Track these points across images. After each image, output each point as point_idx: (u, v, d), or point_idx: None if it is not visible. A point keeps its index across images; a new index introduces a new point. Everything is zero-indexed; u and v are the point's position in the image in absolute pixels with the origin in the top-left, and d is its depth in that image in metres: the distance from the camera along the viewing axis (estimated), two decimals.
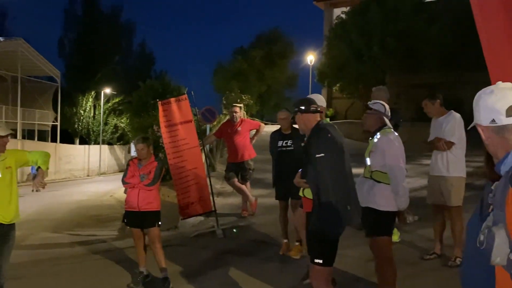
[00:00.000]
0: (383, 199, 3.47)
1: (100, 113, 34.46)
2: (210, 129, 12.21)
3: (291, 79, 38.59)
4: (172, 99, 6.57)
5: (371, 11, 19.90)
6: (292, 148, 5.02)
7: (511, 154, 1.39)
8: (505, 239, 1.24)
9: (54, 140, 31.47)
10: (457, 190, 4.53)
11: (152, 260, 4.69)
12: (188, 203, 6.38)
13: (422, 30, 18.81)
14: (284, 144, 5.10)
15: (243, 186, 7.01)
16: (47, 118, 32.13)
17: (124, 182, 4.73)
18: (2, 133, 3.58)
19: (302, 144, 3.54)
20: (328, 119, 4.38)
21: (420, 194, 6.55)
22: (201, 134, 7.52)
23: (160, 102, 6.55)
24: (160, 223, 4.73)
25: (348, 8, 24.15)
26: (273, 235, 5.99)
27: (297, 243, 5.08)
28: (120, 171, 30.65)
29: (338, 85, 24.14)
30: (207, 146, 9.87)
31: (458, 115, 4.54)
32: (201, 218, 7.08)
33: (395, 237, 4.75)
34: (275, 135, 5.24)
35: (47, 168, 3.86)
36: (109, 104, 35.90)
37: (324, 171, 3.12)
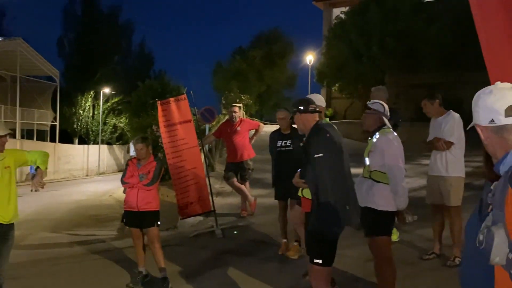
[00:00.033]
0: (382, 199, 3.47)
1: (99, 113, 34.45)
2: (209, 129, 12.21)
3: (290, 79, 38.59)
4: (171, 99, 6.57)
5: (371, 11, 19.91)
6: (291, 148, 5.02)
7: (510, 154, 1.39)
8: (504, 238, 1.24)
9: (53, 140, 31.45)
10: (456, 190, 4.54)
11: (151, 260, 4.68)
12: (187, 203, 6.38)
13: (422, 30, 18.82)
14: (283, 144, 5.10)
15: (242, 186, 7.00)
16: (46, 118, 32.11)
17: (123, 182, 4.73)
18: (1, 133, 3.57)
19: (301, 144, 3.54)
20: (327, 119, 4.37)
21: (419, 194, 6.56)
22: (200, 134, 7.52)
23: (159, 102, 6.54)
24: (159, 223, 4.73)
25: (347, 8, 24.15)
26: (272, 235, 5.99)
27: (295, 243, 5.08)
28: (119, 171, 30.63)
29: (337, 85, 24.15)
30: (206, 146, 9.87)
31: (457, 115, 4.54)
32: (200, 218, 7.08)
33: (394, 236, 4.75)
34: (274, 135, 5.24)
35: (46, 168, 3.86)
36: (108, 104, 35.90)
37: (323, 171, 3.12)
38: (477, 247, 1.32)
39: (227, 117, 7.95)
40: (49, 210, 11.80)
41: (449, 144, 4.46)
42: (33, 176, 3.76)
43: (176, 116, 6.43)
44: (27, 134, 30.90)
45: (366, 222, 3.52)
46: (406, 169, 3.60)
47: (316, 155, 3.13)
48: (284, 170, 4.78)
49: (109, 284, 4.85)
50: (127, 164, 4.81)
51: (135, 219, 4.66)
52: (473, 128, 1.57)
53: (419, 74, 20.29)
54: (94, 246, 6.55)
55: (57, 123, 31.96)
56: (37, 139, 29.98)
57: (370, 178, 3.57)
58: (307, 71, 30.22)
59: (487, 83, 1.72)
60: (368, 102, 3.78)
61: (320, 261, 3.13)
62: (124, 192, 4.92)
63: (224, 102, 28.00)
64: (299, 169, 3.40)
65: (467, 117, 2.32)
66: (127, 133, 31.97)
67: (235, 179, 6.97)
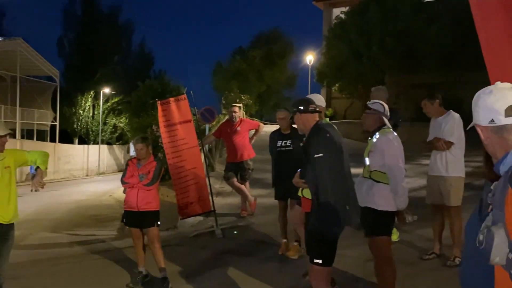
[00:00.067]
0: (382, 199, 3.47)
1: (99, 113, 34.45)
2: (209, 129, 12.21)
3: (290, 79, 38.59)
4: (171, 99, 6.57)
5: (371, 11, 19.91)
6: (291, 148, 5.01)
7: (510, 154, 1.39)
8: (504, 238, 1.24)
9: (53, 140, 31.45)
10: (456, 190, 4.54)
11: (151, 260, 4.68)
12: (187, 203, 6.38)
13: (422, 30, 18.82)
14: (283, 144, 5.10)
15: (242, 186, 7.00)
16: (46, 118, 32.12)
17: (123, 182, 4.73)
18: (1, 133, 3.57)
19: (301, 144, 3.54)
20: (327, 119, 4.38)
21: (419, 194, 6.56)
22: (200, 134, 7.52)
23: (159, 102, 6.54)
24: (159, 223, 4.73)
25: (347, 8, 24.15)
26: (272, 235, 5.99)
27: (295, 243, 5.08)
28: (119, 171, 30.64)
29: (337, 85, 24.15)
30: (206, 146, 9.87)
31: (457, 115, 4.54)
32: (200, 218, 7.08)
33: (394, 236, 4.75)
34: (274, 135, 5.24)
35: (46, 168, 3.86)
36: (108, 104, 35.90)
37: (323, 171, 3.12)
38: (477, 247, 1.32)
39: (227, 117, 7.95)
40: (49, 210, 11.80)
41: (449, 144, 4.47)
42: (33, 176, 3.76)
43: (176, 116, 6.43)
44: (27, 134, 30.90)
45: (366, 222, 3.52)
46: (406, 169, 3.60)
47: (316, 155, 3.13)
48: (284, 170, 4.78)
49: (109, 284, 4.85)
50: (127, 164, 4.81)
51: (135, 219, 4.66)
52: (473, 128, 1.57)
53: (419, 74, 20.29)
54: (94, 246, 6.55)
55: (57, 123, 31.97)
56: (37, 139, 29.99)
57: (370, 178, 3.57)
58: (307, 71, 30.26)
59: (487, 83, 1.72)
60: (368, 102, 3.78)
61: (320, 261, 3.13)
62: (124, 192, 4.92)
63: (224, 102, 28.00)
64: (299, 169, 3.40)
65: (467, 117, 2.32)
66: (127, 133, 31.98)
67: (235, 179, 6.97)
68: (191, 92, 7.17)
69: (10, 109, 28.05)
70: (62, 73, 35.25)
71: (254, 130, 7.42)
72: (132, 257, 5.22)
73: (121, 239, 6.79)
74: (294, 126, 4.36)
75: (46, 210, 11.77)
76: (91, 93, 35.28)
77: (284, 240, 5.27)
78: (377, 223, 3.51)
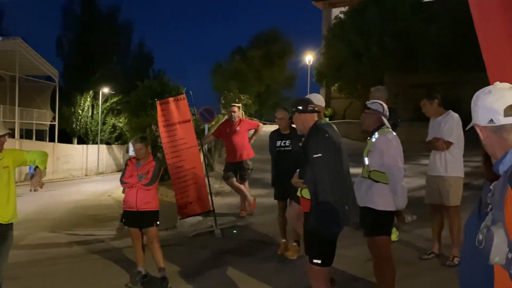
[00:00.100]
0: (381, 199, 3.47)
1: (98, 113, 34.43)
2: (209, 129, 12.21)
3: (289, 79, 38.62)
4: (171, 99, 6.56)
5: (370, 11, 19.92)
6: (290, 148, 5.01)
7: (509, 154, 1.39)
8: (504, 238, 1.25)
9: (52, 139, 31.43)
10: (455, 190, 4.54)
11: (150, 260, 4.68)
12: (186, 203, 6.38)
13: (421, 30, 18.83)
14: (282, 144, 5.10)
15: (241, 186, 7.00)
16: (45, 118, 32.10)
17: (122, 182, 4.72)
18: (0, 133, 3.57)
19: (300, 144, 3.54)
20: (327, 119, 4.38)
21: (418, 194, 6.56)
22: (200, 133, 7.52)
23: (158, 102, 6.54)
24: (158, 222, 4.72)
25: (346, 8, 24.13)
26: (271, 235, 5.99)
27: (294, 244, 5.08)
28: (118, 171, 30.64)
29: (336, 85, 24.14)
30: (206, 146, 9.86)
31: (456, 115, 4.55)
32: (200, 217, 7.08)
33: (393, 236, 4.75)
34: (274, 135, 5.24)
35: (45, 168, 3.85)
36: (107, 104, 35.89)
37: (322, 171, 3.12)
38: (476, 247, 1.32)
39: (226, 117, 7.95)
40: (48, 210, 11.78)
41: (448, 144, 4.47)
42: (32, 176, 3.76)
43: (175, 116, 6.42)
44: (26, 134, 30.88)
45: (365, 222, 3.52)
46: (405, 169, 3.61)
47: (314, 155, 3.13)
48: (283, 170, 4.78)
49: (108, 284, 4.85)
50: (126, 164, 4.81)
51: (134, 219, 4.66)
52: (472, 128, 1.58)
53: (418, 74, 20.31)
54: (93, 246, 6.54)
55: (56, 123, 31.95)
56: (36, 139, 29.97)
57: (369, 178, 3.57)
58: (306, 71, 30.26)
59: (486, 83, 1.73)
60: (367, 102, 3.78)
61: (319, 261, 3.13)
62: (123, 192, 4.91)
63: (223, 102, 27.99)
64: (298, 169, 3.40)
65: (466, 117, 2.32)
66: (126, 133, 31.95)
67: (234, 179, 6.97)
68: (190, 92, 7.17)
69: (9, 108, 28.03)
70: (61, 73, 35.31)
71: (253, 130, 7.42)
72: (131, 257, 5.22)
73: (120, 239, 6.78)
74: (294, 126, 4.36)
75: (45, 210, 11.75)
76: (90, 93, 35.26)
77: (283, 240, 5.27)
78: (377, 223, 3.51)
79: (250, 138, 7.31)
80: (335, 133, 3.27)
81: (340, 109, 27.28)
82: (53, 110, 32.28)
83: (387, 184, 3.47)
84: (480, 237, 1.31)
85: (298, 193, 3.47)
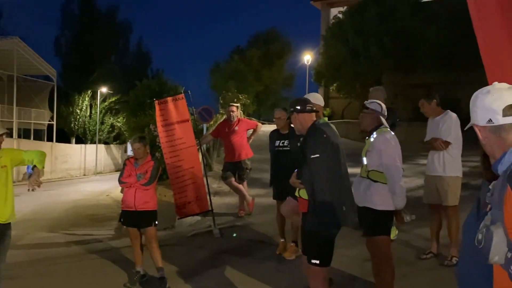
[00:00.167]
0: (380, 199, 3.47)
1: (97, 112, 34.39)
2: (207, 129, 12.20)
3: (288, 79, 38.67)
4: (169, 98, 6.55)
5: (368, 11, 19.92)
6: (288, 148, 5.01)
7: (508, 154, 1.39)
8: (503, 238, 1.25)
9: (50, 139, 31.39)
10: (454, 190, 4.54)
11: (148, 260, 4.67)
12: (185, 203, 6.37)
13: (420, 30, 18.84)
14: (280, 144, 5.10)
15: (240, 186, 7.00)
16: (43, 117, 32.06)
17: (120, 182, 4.72)
18: None
19: (298, 144, 3.54)
20: (326, 118, 4.38)
21: (416, 194, 6.57)
22: (198, 133, 7.51)
23: (156, 101, 6.53)
24: (156, 222, 4.72)
25: (345, 7, 24.13)
26: (270, 235, 5.99)
27: (292, 244, 5.08)
28: (116, 171, 30.61)
29: (335, 84, 24.15)
30: (204, 146, 9.86)
31: (454, 115, 4.55)
32: (198, 217, 7.08)
33: (392, 234, 4.76)
34: (273, 135, 5.24)
35: (43, 167, 3.84)
36: (106, 104, 35.86)
37: (320, 171, 3.12)
38: (475, 247, 1.32)
39: (225, 116, 7.94)
40: (46, 209, 11.76)
41: (446, 144, 4.48)
42: (30, 176, 3.75)
43: (174, 116, 6.42)
44: (24, 134, 30.85)
45: (364, 222, 3.52)
46: (403, 169, 3.61)
47: (312, 156, 3.12)
48: (282, 170, 4.78)
49: (107, 284, 4.84)
50: (124, 164, 4.80)
51: (133, 218, 4.65)
52: (470, 128, 1.58)
53: (417, 74, 20.32)
54: (92, 246, 6.53)
55: (54, 122, 31.91)
56: (34, 139, 29.94)
57: (368, 177, 3.57)
58: (305, 71, 30.30)
59: (485, 83, 1.73)
60: (365, 102, 3.78)
61: (317, 262, 3.13)
62: (121, 191, 4.91)
63: (222, 101, 27.96)
64: (296, 169, 3.39)
65: (464, 117, 2.32)
66: (125, 132, 31.88)
67: (233, 179, 6.96)
68: (189, 91, 7.14)
69: (7, 108, 27.98)
70: (59, 72, 35.24)
71: (252, 129, 7.42)
72: (130, 256, 5.21)
73: (118, 239, 6.77)
74: (293, 126, 4.36)
75: (43, 209, 11.73)
76: (89, 92, 35.22)
77: (282, 240, 5.27)
78: (376, 223, 3.51)
79: (248, 138, 7.30)
80: (333, 133, 3.26)
81: (339, 109, 27.30)
82: (51, 109, 32.25)
83: (385, 183, 3.47)
84: (480, 236, 1.31)
85: (296, 193, 3.47)
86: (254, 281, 4.48)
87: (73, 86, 35.65)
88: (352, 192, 3.38)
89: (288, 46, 37.76)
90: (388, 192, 3.45)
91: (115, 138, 37.28)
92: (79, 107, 35.61)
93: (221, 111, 21.71)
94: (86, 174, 31.32)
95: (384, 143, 3.49)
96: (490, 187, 1.38)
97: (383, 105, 3.70)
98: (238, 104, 18.88)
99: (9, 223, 3.66)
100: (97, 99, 34.00)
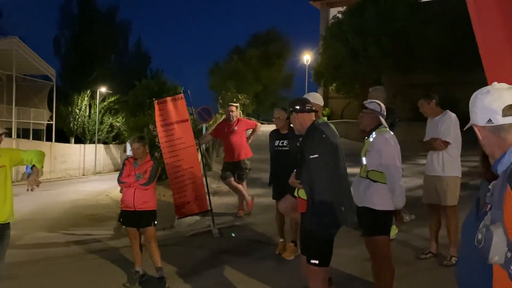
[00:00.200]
0: (379, 199, 3.47)
1: (96, 112, 34.36)
2: (206, 129, 12.20)
3: (287, 78, 38.69)
4: (168, 98, 6.56)
5: (368, 11, 19.92)
6: (288, 148, 5.01)
7: (507, 154, 1.39)
8: (503, 237, 1.25)
9: (49, 139, 31.35)
10: (453, 190, 4.55)
11: (148, 260, 4.67)
12: (184, 203, 6.37)
13: (419, 30, 18.83)
14: (280, 144, 5.10)
15: (239, 186, 7.00)
16: (42, 117, 32.02)
17: (119, 182, 4.71)
18: None
19: (297, 144, 3.54)
20: (325, 118, 4.38)
21: (416, 194, 6.57)
22: (197, 133, 7.51)
23: (156, 101, 6.53)
24: (156, 222, 4.72)
25: (344, 8, 24.13)
26: (269, 235, 5.99)
27: (291, 244, 5.08)
28: (115, 171, 30.59)
29: (334, 84, 24.15)
30: (203, 146, 9.86)
31: (453, 115, 4.56)
32: (197, 217, 7.07)
33: (392, 233, 4.76)
34: (273, 135, 5.24)
35: (42, 167, 3.84)
36: (105, 103, 35.82)
37: (319, 172, 3.12)
38: (475, 247, 1.32)
39: (224, 116, 7.94)
40: (46, 209, 11.75)
41: (445, 144, 4.48)
42: (29, 176, 3.74)
43: (173, 116, 6.41)
44: (23, 133, 30.81)
45: (364, 222, 3.52)
46: (403, 169, 3.61)
47: (311, 156, 3.12)
48: (281, 170, 4.78)
49: (106, 283, 4.83)
50: (123, 164, 4.80)
51: (132, 218, 4.65)
52: (469, 127, 1.58)
53: (417, 74, 20.31)
54: (91, 246, 6.53)
55: (53, 122, 31.87)
56: (33, 139, 29.89)
57: (367, 177, 3.57)
58: (304, 70, 30.32)
59: (484, 83, 1.73)
60: (365, 102, 3.78)
61: (317, 262, 3.13)
62: (120, 191, 4.91)
63: (221, 101, 27.96)
64: (295, 169, 3.39)
65: (463, 117, 2.32)
66: (124, 132, 31.85)
67: (232, 179, 6.96)
68: (188, 91, 7.14)
69: (6, 108, 27.94)
70: (58, 72, 35.22)
71: (251, 129, 7.41)
72: (129, 256, 5.21)
73: (117, 239, 6.77)
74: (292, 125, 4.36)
75: (42, 209, 11.72)
76: (88, 92, 35.19)
77: (281, 240, 5.27)
78: (376, 223, 3.51)
79: (248, 138, 7.30)
80: (332, 133, 3.26)
81: (338, 109, 27.30)
82: (50, 109, 32.20)
83: (385, 183, 3.47)
84: (479, 236, 1.31)
85: (295, 193, 3.47)
86: (253, 281, 4.48)
87: (72, 86, 35.62)
88: (351, 192, 3.39)
89: (288, 46, 37.80)
90: (388, 192, 3.45)
91: (114, 138, 37.23)
92: (78, 107, 35.58)
93: (221, 111, 21.71)
94: (85, 174, 31.27)
95: (383, 143, 3.49)
96: (490, 187, 1.39)
97: (383, 105, 3.70)
98: (238, 104, 18.88)
99: (8, 223, 3.66)
100: (96, 99, 33.96)
